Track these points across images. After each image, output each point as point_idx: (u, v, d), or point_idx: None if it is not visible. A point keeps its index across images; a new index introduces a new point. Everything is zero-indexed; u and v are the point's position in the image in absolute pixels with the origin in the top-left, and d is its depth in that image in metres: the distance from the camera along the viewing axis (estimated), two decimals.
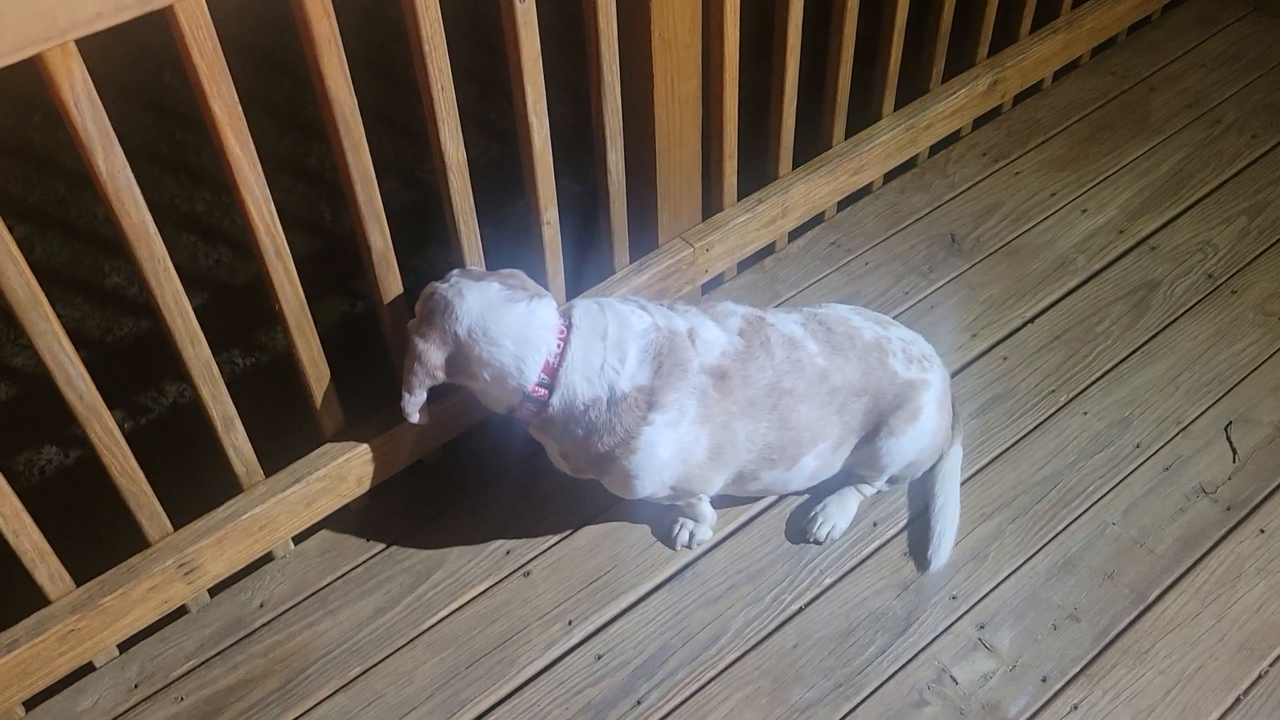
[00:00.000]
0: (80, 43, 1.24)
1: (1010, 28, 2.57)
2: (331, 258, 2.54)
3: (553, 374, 1.64)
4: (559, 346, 1.64)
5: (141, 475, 1.63)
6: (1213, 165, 2.53)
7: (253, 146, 1.46)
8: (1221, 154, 2.55)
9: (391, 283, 1.75)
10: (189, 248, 2.57)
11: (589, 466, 1.72)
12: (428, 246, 2.43)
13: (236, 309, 2.46)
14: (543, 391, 1.64)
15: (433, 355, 1.63)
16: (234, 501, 1.77)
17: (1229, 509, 1.91)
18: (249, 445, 1.75)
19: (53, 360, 1.43)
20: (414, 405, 1.68)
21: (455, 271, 1.71)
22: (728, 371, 1.69)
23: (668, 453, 1.68)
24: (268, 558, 1.89)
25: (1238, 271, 2.29)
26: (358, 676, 1.77)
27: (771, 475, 1.79)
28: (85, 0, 1.19)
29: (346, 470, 1.85)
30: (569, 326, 1.66)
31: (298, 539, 1.92)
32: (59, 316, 1.41)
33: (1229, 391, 2.08)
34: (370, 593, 1.86)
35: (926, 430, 1.82)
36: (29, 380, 2.38)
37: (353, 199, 1.62)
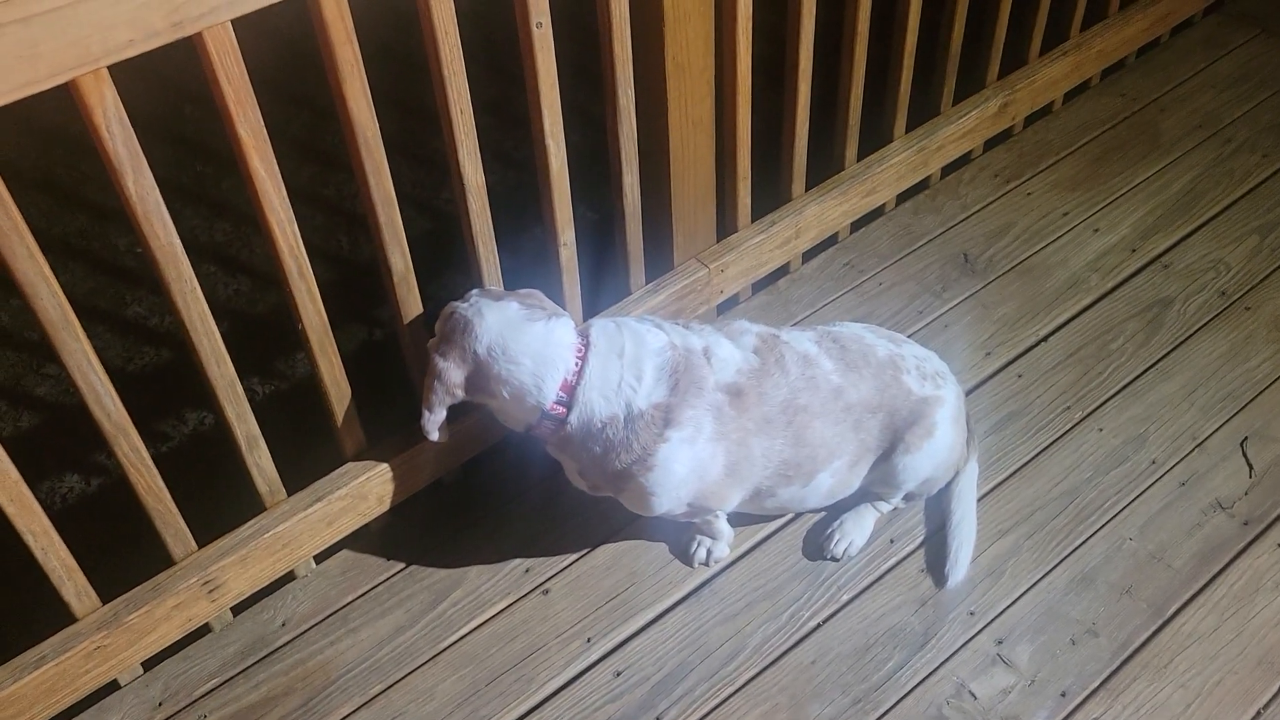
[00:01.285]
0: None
1: (1020, 50, 2.60)
2: (349, 286, 2.58)
3: (571, 392, 1.66)
4: (577, 365, 1.66)
5: (167, 493, 1.66)
6: (1224, 184, 2.54)
7: (277, 169, 1.49)
8: (1233, 173, 2.57)
9: (412, 303, 1.78)
10: (209, 278, 2.61)
11: (606, 484, 1.74)
12: (443, 273, 2.46)
13: (256, 337, 2.50)
14: (561, 409, 1.66)
15: (452, 373, 1.66)
16: (257, 520, 1.79)
17: (1246, 524, 1.91)
18: (272, 464, 1.78)
19: (82, 379, 1.46)
20: (434, 423, 1.70)
21: (474, 291, 1.74)
22: (743, 389, 1.71)
23: (684, 469, 1.69)
24: (289, 576, 1.91)
25: (1251, 289, 2.30)
26: (378, 694, 1.78)
27: (788, 492, 1.80)
28: (118, 28, 1.23)
29: (367, 489, 1.87)
30: (586, 345, 1.68)
31: (319, 558, 1.94)
32: None
33: (1244, 407, 2.09)
34: (390, 611, 1.88)
35: (942, 446, 1.83)
36: (51, 409, 2.42)
37: (374, 220, 1.65)
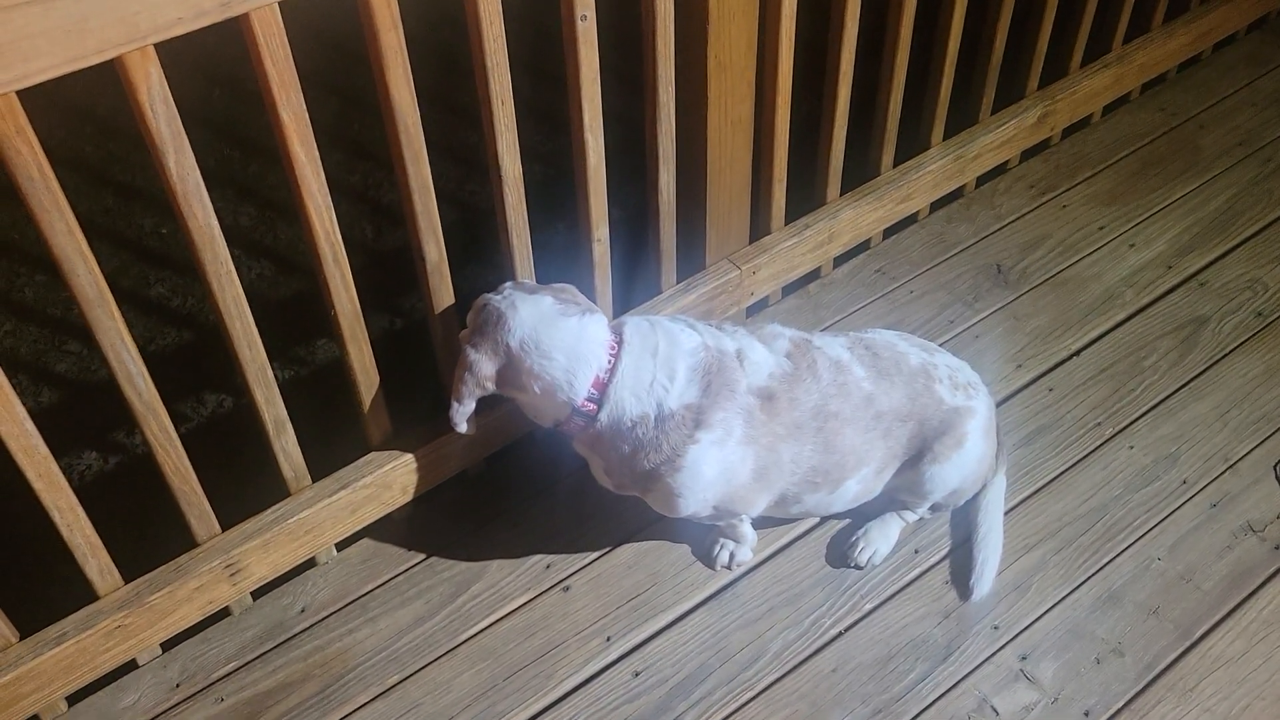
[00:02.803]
0: None
1: (1061, 61, 2.58)
2: (372, 275, 2.57)
3: (602, 389, 1.64)
4: (609, 362, 1.65)
5: (194, 475, 1.66)
6: (1263, 203, 2.51)
7: (317, 154, 1.48)
8: (1271, 193, 2.54)
9: (444, 293, 1.77)
10: (232, 261, 2.61)
11: (633, 483, 1.72)
12: (467, 265, 2.45)
13: (276, 322, 2.49)
14: (592, 406, 1.65)
15: (484, 366, 1.65)
16: (281, 505, 1.79)
17: (1277, 548, 1.88)
18: (298, 450, 1.77)
19: (115, 357, 1.46)
20: (462, 415, 1.69)
21: (508, 284, 1.73)
22: (775, 393, 1.70)
23: (712, 472, 1.68)
24: (310, 563, 1.91)
25: None
26: (395, 685, 1.77)
27: (814, 498, 1.79)
28: (166, 6, 1.22)
29: (392, 479, 1.86)
30: (620, 343, 1.67)
31: (340, 545, 1.93)
32: None
33: (1278, 430, 2.06)
34: (410, 602, 1.87)
35: (971, 458, 1.81)
36: (71, 386, 2.42)
37: (410, 209, 1.64)
